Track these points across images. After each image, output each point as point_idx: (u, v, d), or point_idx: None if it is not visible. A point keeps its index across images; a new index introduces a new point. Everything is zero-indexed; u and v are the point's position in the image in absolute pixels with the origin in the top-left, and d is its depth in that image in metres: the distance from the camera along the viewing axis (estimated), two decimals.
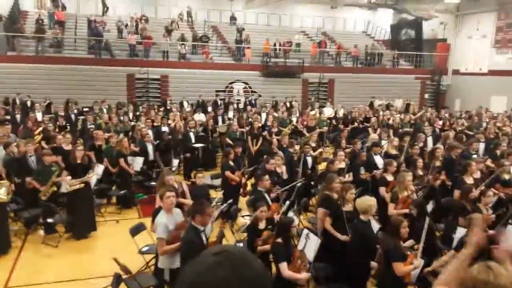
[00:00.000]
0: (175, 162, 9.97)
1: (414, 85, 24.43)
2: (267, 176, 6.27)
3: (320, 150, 10.17)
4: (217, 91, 20.33)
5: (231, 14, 26.04)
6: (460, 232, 5.19)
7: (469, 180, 7.13)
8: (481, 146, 10.36)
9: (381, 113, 16.74)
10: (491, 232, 5.59)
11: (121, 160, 8.91)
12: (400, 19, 26.32)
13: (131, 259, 5.52)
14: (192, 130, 11.63)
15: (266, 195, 6.15)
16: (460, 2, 21.53)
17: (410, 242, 5.16)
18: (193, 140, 11.45)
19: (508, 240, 5.35)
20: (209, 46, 22.39)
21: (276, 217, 5.15)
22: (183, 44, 21.43)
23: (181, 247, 4.45)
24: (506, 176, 7.74)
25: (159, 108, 16.20)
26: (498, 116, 16.04)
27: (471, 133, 12.48)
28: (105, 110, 14.40)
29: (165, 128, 11.74)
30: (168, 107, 16.45)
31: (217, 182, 8.94)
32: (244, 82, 21.71)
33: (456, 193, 6.78)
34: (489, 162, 9.15)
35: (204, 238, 4.45)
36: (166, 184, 5.95)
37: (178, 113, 14.28)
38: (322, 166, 9.04)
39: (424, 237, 4.61)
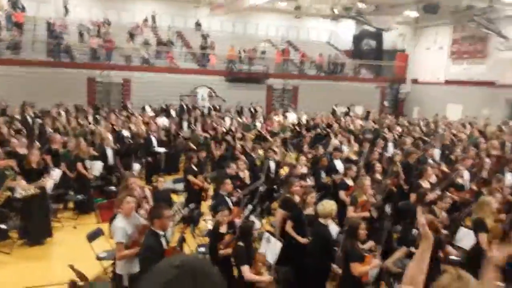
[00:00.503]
0: (136, 166, 9.80)
1: (374, 93, 25.16)
2: (229, 180, 6.27)
3: (283, 154, 10.26)
4: (181, 95, 20.16)
5: (196, 20, 25.97)
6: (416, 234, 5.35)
7: (425, 184, 7.38)
8: (437, 152, 10.75)
9: (342, 119, 17.14)
10: (445, 232, 5.82)
11: (79, 165, 8.66)
12: (362, 30, 27.07)
13: (88, 266, 5.36)
14: (154, 134, 11.47)
15: (228, 199, 6.14)
16: (418, 15, 22.36)
17: (369, 244, 5.27)
18: (155, 145, 11.29)
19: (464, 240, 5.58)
20: (173, 51, 22.21)
21: (237, 221, 5.15)
22: (146, 48, 21.15)
23: (139, 252, 4.36)
24: (460, 181, 8.08)
25: (120, 112, 15.90)
26: (453, 123, 16.71)
27: (427, 139, 12.94)
28: (63, 114, 13.97)
29: (126, 132, 11.52)
30: (130, 111, 16.17)
31: (179, 186, 8.86)
32: (208, 87, 21.66)
33: (412, 196, 6.99)
34: (444, 167, 9.51)
35: (164, 243, 4.38)
36: (129, 187, 5.84)
37: (140, 117, 14.06)
38: (285, 171, 9.12)
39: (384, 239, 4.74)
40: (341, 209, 6.66)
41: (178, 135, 13.15)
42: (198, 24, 25.86)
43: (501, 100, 20.36)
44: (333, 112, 20.54)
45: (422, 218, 2.75)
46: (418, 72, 25.56)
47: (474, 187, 7.82)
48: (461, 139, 12.39)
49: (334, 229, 5.57)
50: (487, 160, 9.29)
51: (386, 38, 26.28)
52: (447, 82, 23.37)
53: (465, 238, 5.46)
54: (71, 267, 4.71)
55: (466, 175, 8.33)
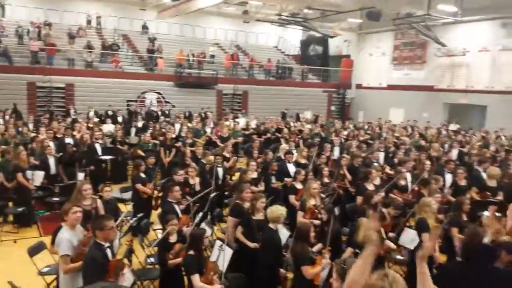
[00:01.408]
0: (80, 175, 9.40)
1: (322, 98, 25.82)
2: (177, 187, 6.16)
3: (233, 159, 10.23)
4: (128, 101, 19.66)
5: (143, 23, 25.46)
6: None
7: (370, 187, 7.64)
8: (381, 154, 11.17)
9: (292, 124, 17.43)
10: (391, 234, 6.05)
11: (19, 175, 8.17)
12: (309, 36, 27.73)
13: (30, 282, 5.11)
14: (99, 141, 11.08)
15: (176, 207, 6.04)
16: (362, 22, 23.22)
17: (318, 246, 5.37)
18: (99, 152, 10.90)
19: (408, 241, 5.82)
20: (119, 55, 21.62)
21: (185, 230, 5.07)
22: (90, 51, 20.44)
23: (82, 265, 4.18)
24: (403, 182, 8.43)
25: (63, 118, 15.24)
26: (396, 126, 17.46)
27: (372, 142, 13.42)
28: (0, 120, 13.19)
29: (69, 140, 11.04)
30: (74, 117, 15.54)
31: (127, 195, 8.59)
32: (157, 92, 21.28)
33: (359, 199, 7.21)
34: (388, 170, 9.90)
35: (110, 254, 4.23)
36: (82, 195, 5.63)
37: (84, 124, 13.54)
38: (236, 177, 9.11)
39: (329, 240, 4.84)
40: (293, 214, 6.75)
41: (125, 142, 12.78)
42: (145, 27, 25.37)
43: (439, 103, 21.55)
44: (283, 116, 20.86)
45: (375, 222, 2.83)
46: (362, 77, 26.53)
47: (416, 188, 8.19)
48: (404, 142, 12.94)
49: (284, 233, 5.62)
50: (428, 162, 9.76)
51: (332, 44, 27.07)
52: (390, 87, 24.42)
53: (410, 238, 5.69)
54: (11, 283, 4.43)
55: (409, 177, 8.70)
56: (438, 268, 5.31)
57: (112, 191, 7.01)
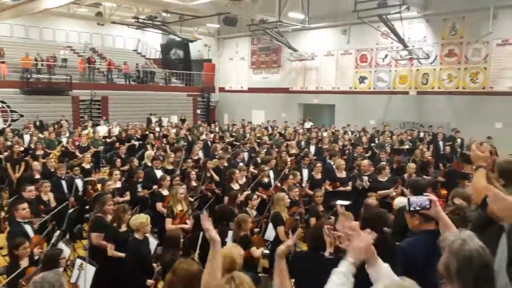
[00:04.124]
0: None
1: (187, 102, 25.81)
2: (23, 205, 5.51)
3: (94, 177, 9.61)
4: None
5: None
6: (230, 235, 5.65)
7: (236, 186, 7.89)
8: (245, 154, 11.61)
9: (157, 129, 17.05)
10: (256, 230, 6.32)
11: None
12: (169, 40, 27.46)
13: None
14: None
15: (27, 227, 5.42)
16: (220, 27, 23.80)
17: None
18: None
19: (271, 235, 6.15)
20: None
21: (37, 251, 4.57)
22: None
23: None
24: (266, 180, 8.88)
25: None
26: (257, 127, 18.30)
27: (237, 143, 13.87)
28: None
29: None
30: None
31: None
32: (1, 101, 18.87)
33: (225, 199, 7.39)
34: (252, 169, 10.34)
35: None
36: None
37: None
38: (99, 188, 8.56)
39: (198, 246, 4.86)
40: (161, 221, 6.61)
41: None
42: None
43: (295, 104, 23.27)
44: (149, 122, 20.30)
45: (206, 222, 2.81)
46: (224, 81, 27.24)
47: (279, 184, 8.71)
48: (265, 142, 13.64)
49: (153, 242, 5.48)
50: (288, 158, 10.46)
51: (193, 48, 27.23)
52: (250, 90, 25.53)
53: (270, 232, 6.05)
54: None
55: (271, 174, 9.20)
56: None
57: None
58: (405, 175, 8.23)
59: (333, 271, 2.04)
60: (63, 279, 2.17)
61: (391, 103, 19.34)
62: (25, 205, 5.43)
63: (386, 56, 19.47)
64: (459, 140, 13.93)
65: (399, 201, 6.04)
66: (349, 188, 8.36)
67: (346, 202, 6.61)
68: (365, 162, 8.65)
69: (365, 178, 8.07)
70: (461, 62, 17.47)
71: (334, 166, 8.89)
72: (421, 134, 15.69)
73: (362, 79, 20.65)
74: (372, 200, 6.06)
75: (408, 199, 2.85)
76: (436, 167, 11.44)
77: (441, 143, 13.82)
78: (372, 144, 13.78)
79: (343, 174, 8.70)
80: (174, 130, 16.30)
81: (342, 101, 21.08)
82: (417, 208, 2.75)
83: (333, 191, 8.32)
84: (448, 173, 9.69)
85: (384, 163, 9.19)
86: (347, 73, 21.14)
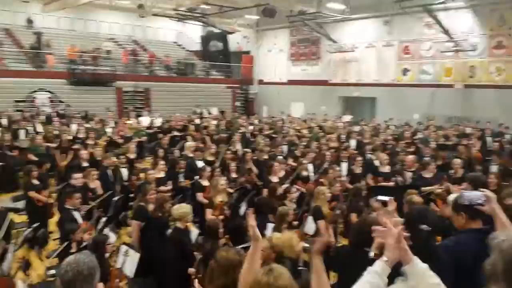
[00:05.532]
0: None
1: (226, 94, 25.97)
2: (78, 194, 5.76)
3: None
4: (16, 101, 17.95)
5: (27, 17, 23.26)
6: (270, 227, 5.67)
7: (275, 179, 7.88)
8: (285, 147, 11.59)
9: (197, 121, 17.28)
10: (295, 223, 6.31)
11: None
12: (208, 32, 27.64)
13: None
14: None
15: (76, 213, 5.65)
16: (259, 19, 23.74)
17: (223, 241, 5.41)
18: None
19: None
20: (1, 51, 19.55)
21: (86, 237, 4.75)
22: None
23: None
24: (305, 173, 8.84)
25: None
26: (296, 120, 18.20)
27: (276, 136, 13.84)
28: None
29: None
30: None
31: (21, 204, 7.86)
32: (49, 91, 19.66)
33: (265, 192, 7.41)
34: (291, 162, 10.29)
35: None
36: None
37: None
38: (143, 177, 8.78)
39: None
40: (202, 211, 6.72)
41: (14, 147, 11.61)
42: (29, 21, 23.21)
43: (335, 97, 22.95)
44: (195, 114, 20.63)
45: (251, 220, 2.83)
46: (263, 73, 27.20)
47: (320, 180, 8.63)
48: (304, 135, 13.54)
49: (194, 232, 5.57)
50: (327, 152, 10.35)
51: (232, 40, 27.29)
52: (289, 82, 25.38)
53: (310, 226, 6.01)
54: None
55: (310, 167, 9.14)
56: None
57: (2, 201, 6.36)
58: (451, 172, 7.96)
59: (368, 269, 1.97)
60: (95, 260, 2.22)
61: (436, 97, 18.69)
62: (79, 194, 5.67)
63: (430, 47, 18.81)
64: (507, 136, 13.30)
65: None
66: (391, 183, 8.16)
67: (387, 198, 6.45)
68: (410, 157, 8.41)
69: (409, 174, 7.86)
70: (511, 54, 16.64)
71: (375, 161, 8.71)
72: (467, 130, 15.08)
73: (404, 71, 20.07)
74: (416, 197, 5.87)
75: (462, 194, 2.73)
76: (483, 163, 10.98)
77: (489, 139, 13.25)
78: (415, 139, 13.37)
79: (386, 169, 8.51)
80: (214, 122, 16.46)
81: (384, 94, 20.59)
82: (473, 204, 2.62)
83: (378, 186, 8.15)
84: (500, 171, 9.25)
85: (428, 158, 8.92)
86: (389, 65, 20.61)
